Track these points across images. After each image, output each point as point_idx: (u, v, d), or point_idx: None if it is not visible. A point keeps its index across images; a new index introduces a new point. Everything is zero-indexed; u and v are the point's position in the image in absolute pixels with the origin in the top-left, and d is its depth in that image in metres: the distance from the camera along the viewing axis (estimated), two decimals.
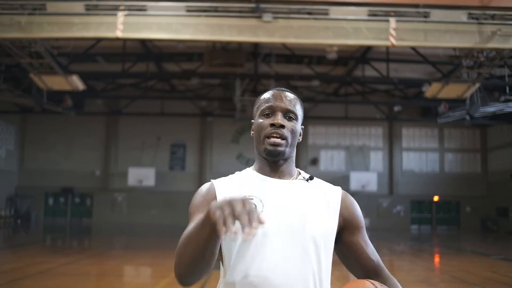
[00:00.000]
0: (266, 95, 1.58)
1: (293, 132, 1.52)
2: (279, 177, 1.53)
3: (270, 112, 1.51)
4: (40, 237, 19.41)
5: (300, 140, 1.59)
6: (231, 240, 1.42)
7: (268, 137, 1.49)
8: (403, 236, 22.85)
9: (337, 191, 1.55)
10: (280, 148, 1.49)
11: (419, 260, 13.06)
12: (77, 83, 15.49)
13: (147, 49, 19.13)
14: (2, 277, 8.27)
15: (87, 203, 28.23)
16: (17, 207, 26.90)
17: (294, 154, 1.57)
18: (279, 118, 1.49)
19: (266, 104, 1.53)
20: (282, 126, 1.49)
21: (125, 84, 23.12)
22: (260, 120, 1.53)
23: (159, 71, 20.93)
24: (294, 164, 1.58)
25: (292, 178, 1.54)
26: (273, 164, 1.53)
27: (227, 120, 25.62)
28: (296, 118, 1.53)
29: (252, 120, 1.63)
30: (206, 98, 24.40)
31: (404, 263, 12.44)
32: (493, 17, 10.91)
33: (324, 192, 1.53)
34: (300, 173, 1.57)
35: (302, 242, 1.42)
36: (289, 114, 1.51)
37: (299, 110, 1.55)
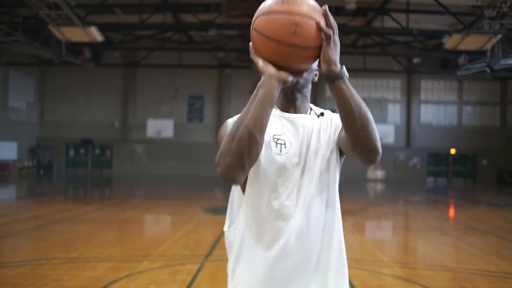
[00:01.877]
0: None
1: (306, 79, 1.61)
2: (295, 112, 1.64)
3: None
4: (62, 187, 19.99)
5: (316, 79, 1.68)
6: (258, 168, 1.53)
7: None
8: (419, 188, 23.04)
9: (336, 116, 1.66)
10: (299, 83, 1.58)
11: (433, 210, 13.28)
12: (96, 34, 15.56)
13: (165, 0, 19.02)
14: (31, 222, 8.66)
15: (107, 154, 28.77)
16: (39, 158, 27.55)
17: (308, 92, 1.67)
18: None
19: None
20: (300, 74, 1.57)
21: (142, 36, 23.10)
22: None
23: (176, 22, 20.84)
24: (308, 101, 1.68)
25: (308, 113, 1.66)
26: (290, 99, 1.64)
27: (245, 71, 25.55)
28: (310, 70, 1.61)
29: None
30: (224, 49, 24.31)
31: (419, 212, 12.66)
32: None
33: (328, 121, 1.66)
34: (312, 109, 1.69)
35: (313, 171, 1.56)
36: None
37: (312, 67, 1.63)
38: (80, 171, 28.27)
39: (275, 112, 1.60)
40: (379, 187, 23.50)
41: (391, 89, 28.25)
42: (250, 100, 1.44)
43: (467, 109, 28.80)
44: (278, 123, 1.58)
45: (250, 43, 1.54)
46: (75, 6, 14.61)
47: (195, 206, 12.25)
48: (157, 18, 20.04)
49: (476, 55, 18.77)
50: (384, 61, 25.18)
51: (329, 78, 1.40)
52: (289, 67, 1.47)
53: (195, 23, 20.59)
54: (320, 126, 1.62)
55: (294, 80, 1.52)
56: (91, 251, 6.31)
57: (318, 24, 1.39)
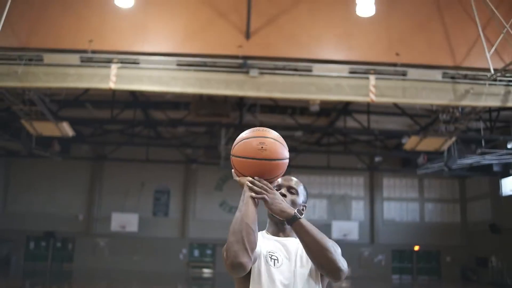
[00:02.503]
0: (278, 181, 2.06)
1: (293, 202, 1.98)
2: (284, 236, 1.95)
3: (278, 188, 1.97)
4: (21, 282, 19.27)
5: (303, 213, 2.01)
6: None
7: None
8: (384, 285, 23.06)
9: None
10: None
11: None
12: (67, 129, 15.87)
13: (135, 97, 19.64)
14: None
15: (68, 247, 28.03)
16: None
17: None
18: (283, 191, 1.94)
19: (277, 184, 2.00)
20: (285, 195, 1.94)
21: (111, 130, 23.51)
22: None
23: (146, 118, 21.39)
24: None
25: (294, 237, 1.97)
26: (280, 226, 1.96)
27: (212, 167, 26.00)
28: (297, 193, 2.00)
29: None
30: (191, 146, 24.85)
31: None
32: (465, 76, 11.64)
33: None
34: None
35: (303, 280, 1.84)
36: (291, 190, 1.99)
37: (301, 190, 2.02)
38: (40, 265, 27.32)
39: (269, 236, 1.91)
40: (344, 284, 23.41)
41: (354, 186, 28.98)
42: (239, 205, 1.84)
43: (429, 206, 29.60)
44: (272, 243, 1.88)
45: (232, 170, 1.90)
46: (49, 102, 14.97)
47: None
48: (127, 114, 20.57)
49: (434, 154, 19.72)
50: (348, 159, 26.06)
51: (288, 222, 1.75)
52: (264, 177, 1.90)
53: (164, 120, 21.18)
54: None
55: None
56: None
57: (250, 190, 1.85)
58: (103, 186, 28.18)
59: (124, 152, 25.29)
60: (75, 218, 27.80)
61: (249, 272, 1.81)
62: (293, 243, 1.96)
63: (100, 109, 20.85)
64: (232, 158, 1.97)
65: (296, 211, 1.79)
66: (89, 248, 27.39)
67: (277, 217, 1.83)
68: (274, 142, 1.93)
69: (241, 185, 1.92)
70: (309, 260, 1.86)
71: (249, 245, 1.73)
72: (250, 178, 1.84)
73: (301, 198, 2.00)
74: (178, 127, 22.22)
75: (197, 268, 27.36)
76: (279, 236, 2.00)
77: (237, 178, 1.96)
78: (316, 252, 1.72)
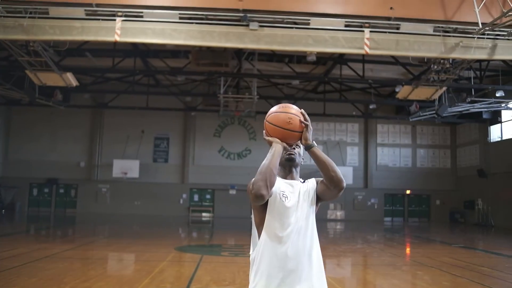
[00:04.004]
0: None
1: (298, 153, 2.67)
2: (292, 179, 2.67)
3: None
4: (31, 226, 20.17)
5: (302, 162, 2.74)
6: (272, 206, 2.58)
7: (286, 152, 2.64)
8: (377, 227, 24.18)
9: (313, 180, 2.72)
10: (293, 156, 2.68)
11: (388, 248, 14.31)
12: (71, 79, 16.32)
13: (135, 46, 19.98)
14: (16, 260, 9.20)
15: (71, 193, 28.94)
16: (1, 197, 27.50)
17: (298, 169, 2.77)
18: (294, 145, 2.66)
19: None
20: (294, 148, 2.66)
21: (111, 78, 23.90)
22: None
23: (146, 67, 21.76)
24: (298, 174, 2.76)
25: (298, 180, 2.69)
26: (289, 172, 2.70)
27: (210, 114, 26.61)
28: (299, 147, 2.69)
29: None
30: (190, 94, 25.32)
31: (375, 250, 13.67)
32: (455, 30, 12.12)
33: (309, 185, 2.70)
34: (300, 178, 2.75)
35: (303, 208, 2.58)
36: (298, 144, 2.67)
37: (300, 146, 2.71)
38: (44, 210, 28.29)
39: (280, 179, 2.61)
40: (339, 226, 24.55)
41: (349, 132, 29.73)
42: (267, 155, 2.53)
43: (421, 151, 30.49)
44: (284, 184, 2.61)
45: (264, 131, 2.62)
46: (52, 52, 15.38)
47: (166, 245, 12.97)
48: (127, 62, 20.95)
49: (426, 103, 20.35)
50: (343, 107, 26.67)
51: (307, 147, 2.52)
52: (286, 142, 2.63)
53: (165, 69, 21.56)
54: (304, 187, 2.70)
55: (289, 148, 2.70)
56: (81, 285, 7.00)
57: (300, 120, 2.47)
58: (103, 134, 28.79)
59: (124, 100, 25.75)
60: (77, 165, 28.55)
61: (266, 205, 2.53)
62: (297, 184, 2.69)
63: (101, 58, 21.24)
64: (266, 123, 2.65)
65: (314, 141, 2.56)
66: (91, 194, 28.29)
67: (305, 142, 2.60)
68: (296, 118, 2.60)
69: (269, 143, 2.62)
70: (310, 194, 2.63)
71: (270, 184, 2.43)
72: (303, 111, 2.65)
73: (301, 150, 2.69)
74: (178, 76, 22.64)
75: (197, 212, 28.40)
76: (287, 179, 2.71)
77: (267, 138, 2.65)
78: (327, 169, 2.50)
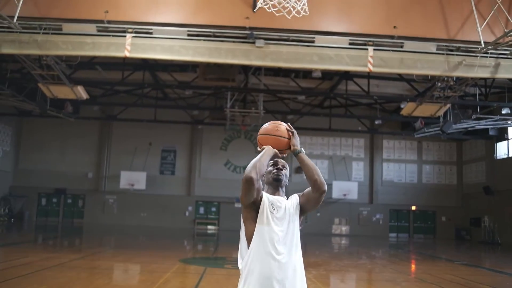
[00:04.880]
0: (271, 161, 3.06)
1: (285, 174, 2.94)
2: (278, 195, 2.95)
3: (275, 164, 2.93)
4: (40, 236, 20.44)
5: (287, 183, 3.01)
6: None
7: (274, 173, 2.91)
8: (381, 243, 24.25)
9: (296, 195, 2.99)
10: (280, 177, 2.91)
11: (390, 264, 14.42)
12: (82, 93, 16.69)
13: (144, 60, 20.35)
14: (27, 268, 9.45)
15: (79, 204, 29.27)
16: (11, 206, 27.87)
17: (284, 188, 3.05)
18: (280, 166, 2.93)
19: (273, 161, 2.97)
20: (281, 169, 2.94)
21: (120, 91, 24.27)
22: (270, 168, 2.94)
23: (155, 80, 22.12)
24: (284, 192, 3.01)
25: (284, 197, 2.94)
26: (277, 190, 2.96)
27: (217, 128, 26.93)
28: (286, 169, 2.96)
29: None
30: (197, 107, 25.64)
31: (377, 266, 13.81)
32: (458, 49, 12.34)
33: (292, 200, 2.96)
34: (285, 195, 3.00)
35: (289, 221, 2.81)
36: (284, 167, 2.94)
37: (287, 167, 3.00)
38: (52, 220, 28.62)
39: (268, 195, 2.86)
40: (344, 241, 24.65)
41: (355, 147, 29.91)
42: (259, 155, 2.88)
43: (426, 167, 30.57)
44: (271, 199, 2.89)
45: (258, 147, 2.90)
46: (65, 66, 15.77)
47: (171, 256, 13.20)
48: (136, 75, 21.32)
49: (431, 119, 20.50)
50: (349, 122, 26.87)
51: (295, 153, 2.84)
52: (277, 148, 2.96)
53: (173, 83, 21.92)
54: (289, 202, 2.98)
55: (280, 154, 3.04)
56: None
57: (287, 128, 2.78)
58: (112, 145, 29.15)
59: (132, 112, 26.12)
60: (85, 176, 28.89)
61: (256, 216, 2.77)
62: (283, 200, 2.98)
63: (111, 71, 21.64)
64: (258, 137, 3.03)
65: (301, 148, 2.92)
66: (99, 204, 28.59)
67: (293, 148, 2.96)
68: (283, 126, 2.98)
69: (262, 147, 3.00)
70: (294, 208, 2.93)
71: (259, 172, 2.77)
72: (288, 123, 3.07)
73: (287, 172, 2.99)
74: (185, 90, 22.99)
75: (202, 225, 28.59)
76: (275, 195, 2.99)
77: (260, 148, 2.98)
78: (312, 172, 2.84)
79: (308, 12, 5.44)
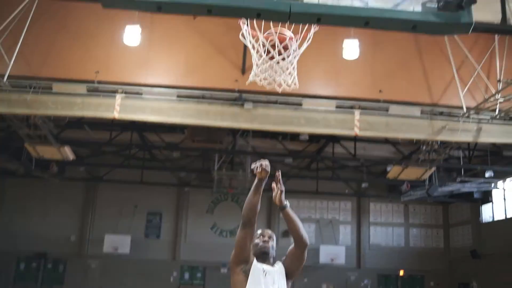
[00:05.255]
0: (259, 231, 3.12)
1: (272, 246, 3.04)
2: (268, 264, 3.04)
3: (262, 236, 3.00)
4: None
5: (274, 254, 3.19)
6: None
7: (261, 246, 3.00)
8: None
9: (279, 262, 3.12)
10: (267, 250, 2.96)
11: None
12: (68, 153, 16.67)
13: (132, 120, 20.44)
14: None
15: (59, 269, 28.23)
16: None
17: (272, 258, 3.24)
18: (266, 237, 3.02)
19: (260, 233, 3.03)
20: (267, 241, 3.04)
21: (107, 152, 24.21)
22: (257, 240, 3.06)
23: (142, 141, 22.15)
24: (271, 262, 3.16)
25: (272, 265, 2.97)
26: (267, 260, 3.06)
27: (204, 190, 26.76)
28: (273, 240, 3.06)
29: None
30: (185, 169, 25.58)
31: None
32: (441, 113, 12.66)
33: (279, 266, 3.02)
34: (273, 262, 3.09)
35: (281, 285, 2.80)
36: (270, 238, 3.03)
37: (273, 238, 3.10)
38: (29, 286, 27.61)
39: (259, 265, 2.92)
40: None
41: (342, 210, 29.80)
42: (253, 191, 3.11)
43: (413, 231, 30.43)
44: (263, 266, 2.85)
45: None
46: (53, 126, 15.81)
47: None
48: (124, 136, 21.35)
49: (417, 182, 20.67)
50: (336, 185, 26.94)
51: (281, 208, 2.87)
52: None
53: (161, 144, 21.98)
54: (276, 268, 3.12)
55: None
56: None
57: (276, 184, 2.86)
58: (96, 208, 28.72)
59: (118, 173, 25.96)
60: (67, 239, 28.18)
61: (247, 277, 2.82)
62: (273, 268, 3.12)
63: (98, 131, 21.65)
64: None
65: (287, 202, 3.07)
66: (81, 269, 27.69)
67: (279, 203, 3.14)
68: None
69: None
70: (282, 273, 3.07)
71: (255, 211, 2.99)
72: (279, 174, 3.30)
73: (275, 243, 3.05)
74: (173, 151, 23.03)
75: None
76: (265, 264, 3.13)
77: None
78: (296, 227, 3.04)
79: (297, 85, 5.58)
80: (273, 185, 3.06)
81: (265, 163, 2.99)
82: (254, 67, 5.17)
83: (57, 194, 27.93)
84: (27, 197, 28.13)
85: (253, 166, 2.99)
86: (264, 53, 4.94)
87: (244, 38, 4.94)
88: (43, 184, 26.25)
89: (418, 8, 3.05)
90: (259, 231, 3.14)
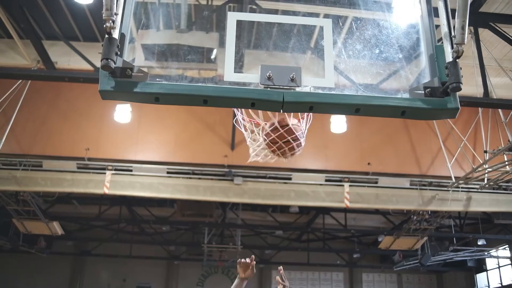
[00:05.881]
0: None
1: None
2: None
3: None
4: None
5: None
6: None
7: None
8: None
9: None
10: None
11: None
12: (57, 228, 16.45)
13: (122, 196, 20.37)
14: None
15: None
16: None
17: None
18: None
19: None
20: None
21: (96, 226, 23.92)
22: None
23: (132, 215, 21.97)
24: None
25: None
26: None
27: (194, 263, 26.29)
28: None
29: None
30: (175, 243, 25.26)
31: None
32: (430, 184, 12.79)
33: None
34: None
35: None
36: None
37: None
38: None
39: None
40: None
41: (334, 281, 29.24)
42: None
43: None
44: None
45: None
46: (42, 202, 15.71)
47: None
48: (113, 210, 21.19)
49: (409, 251, 20.52)
50: (327, 256, 26.61)
51: None
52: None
53: (151, 218, 21.82)
54: None
55: None
56: None
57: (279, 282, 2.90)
58: (84, 282, 28.01)
59: (107, 247, 25.52)
60: None
61: None
62: None
63: (87, 205, 21.50)
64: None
65: None
66: None
67: None
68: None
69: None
70: None
71: None
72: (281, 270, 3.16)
73: None
74: (163, 225, 22.84)
75: None
76: None
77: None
78: None
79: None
80: (277, 278, 2.99)
81: (253, 263, 2.97)
82: (251, 150, 5.32)
83: (44, 269, 27.28)
84: (14, 272, 27.42)
85: (240, 260, 2.95)
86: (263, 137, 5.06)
87: (239, 125, 5.07)
88: (30, 259, 25.69)
89: (406, 95, 3.19)
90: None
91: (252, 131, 4.97)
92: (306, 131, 4.97)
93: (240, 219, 21.25)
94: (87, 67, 7.99)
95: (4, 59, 10.76)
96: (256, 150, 5.23)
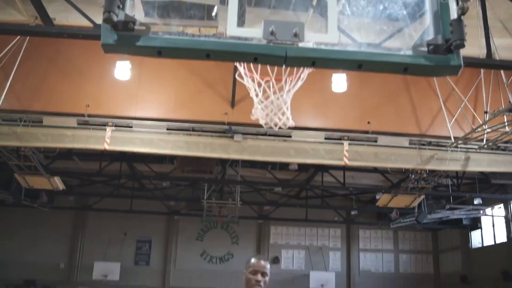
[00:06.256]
0: (253, 260, 3.03)
1: (265, 283, 2.99)
2: None
3: (254, 273, 2.97)
4: None
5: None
6: None
7: (254, 285, 2.95)
8: None
9: None
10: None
11: None
12: (58, 183, 16.61)
13: (122, 151, 20.45)
14: None
15: None
16: None
17: None
18: (259, 277, 2.95)
19: (252, 268, 2.98)
20: (259, 281, 2.96)
21: (96, 181, 24.13)
22: (250, 276, 2.98)
23: (132, 172, 22.12)
24: None
25: None
26: None
27: (193, 218, 26.66)
28: (267, 275, 3.01)
29: (244, 271, 3.06)
30: (174, 198, 25.53)
31: None
32: (429, 143, 12.84)
33: None
34: None
35: None
36: (264, 274, 2.97)
37: (268, 269, 3.02)
38: None
39: None
40: None
41: (331, 237, 29.76)
42: None
43: (403, 257, 30.42)
44: None
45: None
46: (43, 157, 15.80)
47: None
48: (114, 166, 21.31)
49: (406, 209, 20.79)
50: (325, 212, 26.95)
51: None
52: None
53: (151, 175, 21.95)
54: None
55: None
56: None
57: None
58: (85, 235, 28.49)
59: (108, 202, 25.81)
60: (56, 267, 27.91)
61: None
62: None
63: (88, 162, 21.61)
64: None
65: None
66: None
67: None
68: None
69: None
70: None
71: None
72: None
73: (268, 276, 3.03)
74: (163, 181, 23.00)
75: None
76: None
77: None
78: None
79: (294, 123, 5.74)
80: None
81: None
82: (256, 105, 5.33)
83: (46, 222, 27.71)
84: (17, 225, 27.87)
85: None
86: (260, 93, 5.04)
87: (242, 78, 5.04)
88: (32, 213, 26.04)
89: (409, 52, 3.17)
90: (252, 261, 2.97)
91: (259, 84, 4.94)
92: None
93: (240, 175, 21.42)
94: (86, 23, 7.85)
95: (2, 15, 10.59)
96: (262, 104, 5.23)
